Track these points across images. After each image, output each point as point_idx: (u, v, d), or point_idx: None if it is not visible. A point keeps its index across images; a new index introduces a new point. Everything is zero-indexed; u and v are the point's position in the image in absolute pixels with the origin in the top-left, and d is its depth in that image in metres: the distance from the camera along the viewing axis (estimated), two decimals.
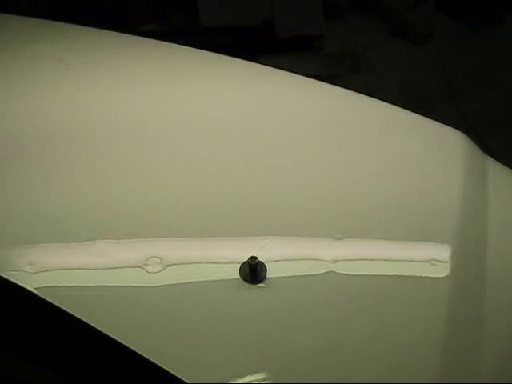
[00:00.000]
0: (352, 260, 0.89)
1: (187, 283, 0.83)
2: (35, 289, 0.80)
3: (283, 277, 0.85)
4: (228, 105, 1.24)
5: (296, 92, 1.32)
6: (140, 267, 0.85)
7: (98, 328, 0.75)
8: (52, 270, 0.84)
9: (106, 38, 1.52)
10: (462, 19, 3.36)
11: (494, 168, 1.17)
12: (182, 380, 0.72)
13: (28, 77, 1.28)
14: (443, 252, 0.94)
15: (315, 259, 0.88)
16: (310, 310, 0.81)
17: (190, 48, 1.47)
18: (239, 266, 0.86)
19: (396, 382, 0.75)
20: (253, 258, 0.85)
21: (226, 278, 0.85)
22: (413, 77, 3.03)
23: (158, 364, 0.73)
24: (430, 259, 0.91)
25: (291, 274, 0.85)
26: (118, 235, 0.90)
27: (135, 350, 0.74)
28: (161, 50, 1.48)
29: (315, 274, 0.86)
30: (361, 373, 0.73)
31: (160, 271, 0.84)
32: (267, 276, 0.85)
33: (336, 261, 0.88)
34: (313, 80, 1.37)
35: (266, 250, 0.88)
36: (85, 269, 0.84)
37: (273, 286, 0.84)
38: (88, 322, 0.76)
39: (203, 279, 0.84)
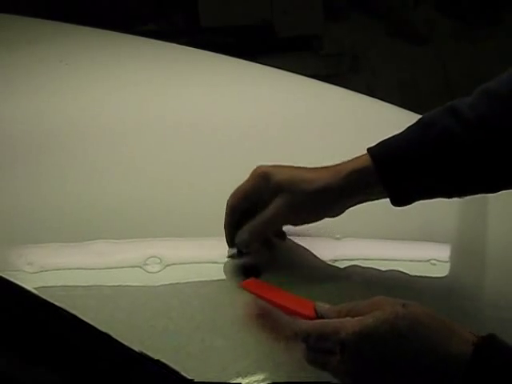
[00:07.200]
0: (352, 260, 0.89)
1: (187, 283, 0.83)
2: (35, 289, 0.80)
3: (285, 276, 0.85)
4: (228, 105, 1.24)
5: (296, 92, 1.32)
6: (139, 267, 0.85)
7: (98, 327, 0.76)
8: (52, 270, 0.84)
9: (106, 38, 1.53)
10: (462, 19, 3.36)
11: None
12: (182, 376, 0.71)
13: (28, 77, 1.28)
14: (443, 252, 0.95)
15: (315, 259, 0.88)
16: None
17: (190, 48, 1.47)
18: (239, 265, 0.86)
19: None
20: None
21: (226, 277, 0.85)
22: (413, 77, 3.03)
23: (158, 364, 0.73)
24: (430, 259, 0.91)
25: (292, 274, 0.85)
26: (118, 235, 0.90)
27: (135, 349, 0.74)
28: (161, 50, 1.48)
29: (315, 274, 0.86)
30: None
31: (159, 271, 0.84)
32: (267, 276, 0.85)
33: (336, 261, 0.88)
34: (313, 80, 1.37)
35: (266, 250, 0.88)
36: (84, 269, 0.85)
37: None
38: (88, 321, 0.76)
39: (203, 279, 0.84)
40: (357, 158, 0.83)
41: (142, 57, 1.42)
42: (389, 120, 1.22)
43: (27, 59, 1.35)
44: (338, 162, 1.07)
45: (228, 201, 0.86)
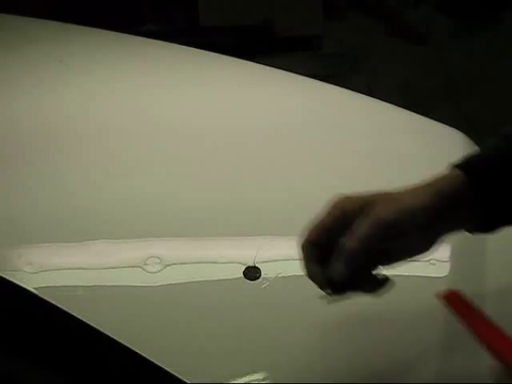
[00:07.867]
0: None
1: (187, 283, 0.83)
2: (35, 289, 0.80)
3: (284, 276, 0.85)
4: (228, 105, 1.24)
5: (296, 92, 1.32)
6: (139, 267, 0.85)
7: (98, 328, 0.76)
8: (52, 270, 0.84)
9: (106, 37, 1.53)
10: (462, 19, 3.36)
11: None
12: (181, 380, 0.72)
13: (28, 77, 1.28)
14: (443, 251, 0.94)
15: None
16: (309, 309, 0.81)
17: (190, 48, 1.47)
18: (239, 265, 0.86)
19: (395, 381, 0.75)
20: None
21: (226, 277, 0.85)
22: (413, 77, 3.03)
23: (158, 364, 0.73)
24: (430, 259, 0.91)
25: (292, 274, 0.85)
26: (118, 235, 0.90)
27: (135, 349, 0.74)
28: (161, 50, 1.48)
29: None
30: (359, 372, 0.73)
31: (159, 271, 0.84)
32: (267, 275, 0.85)
33: None
34: (313, 80, 1.37)
35: (266, 250, 0.88)
36: (84, 269, 0.85)
37: (273, 286, 0.84)
38: (88, 322, 0.76)
39: (203, 279, 0.84)
40: (442, 175, 0.74)
41: (142, 57, 1.42)
42: (389, 120, 1.22)
43: (27, 59, 1.35)
44: (337, 161, 1.08)
45: (303, 239, 0.71)
